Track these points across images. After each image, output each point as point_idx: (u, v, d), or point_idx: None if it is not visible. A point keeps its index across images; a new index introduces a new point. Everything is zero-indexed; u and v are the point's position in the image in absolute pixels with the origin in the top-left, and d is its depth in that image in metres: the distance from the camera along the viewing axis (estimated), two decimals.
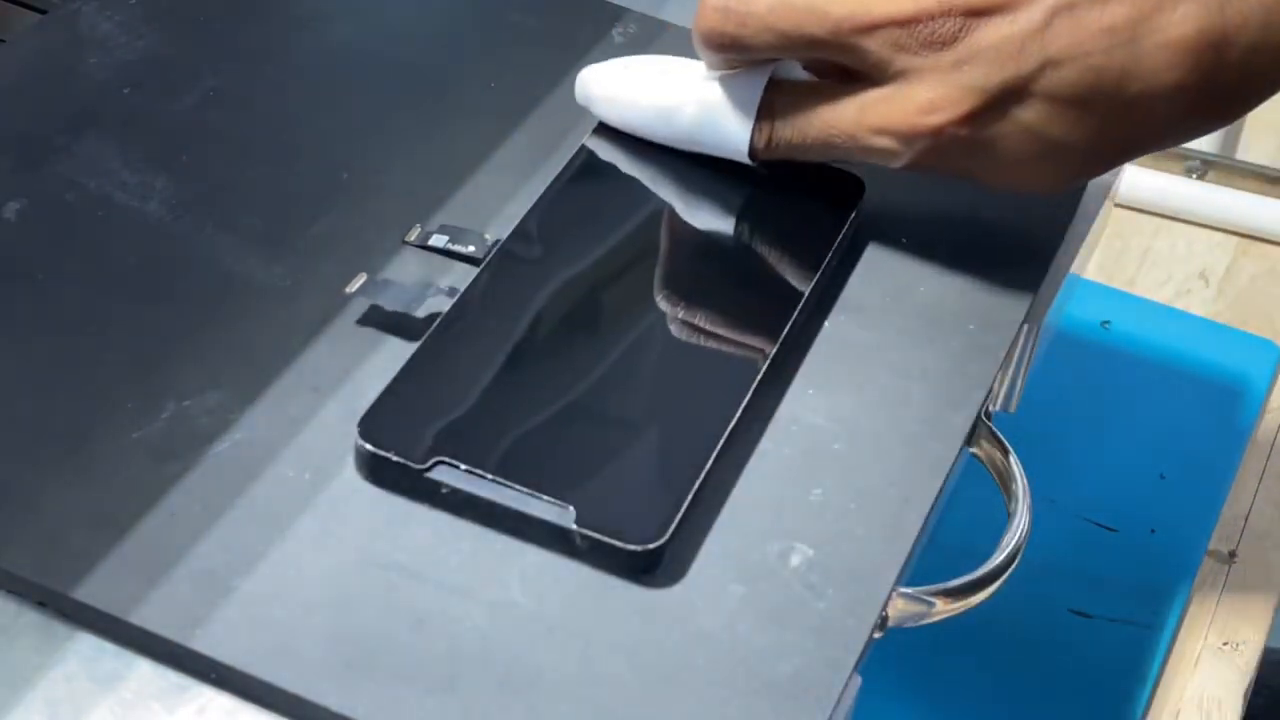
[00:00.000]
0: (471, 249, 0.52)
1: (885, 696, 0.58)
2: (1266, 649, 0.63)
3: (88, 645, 0.43)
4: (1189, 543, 0.65)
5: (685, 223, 0.54)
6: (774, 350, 0.50)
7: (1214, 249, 0.81)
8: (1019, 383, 0.56)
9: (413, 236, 0.53)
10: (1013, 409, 0.55)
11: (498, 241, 0.52)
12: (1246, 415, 0.70)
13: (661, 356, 0.50)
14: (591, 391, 0.48)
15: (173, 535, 0.44)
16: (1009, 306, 0.54)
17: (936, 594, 0.48)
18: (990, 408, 0.53)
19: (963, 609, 0.49)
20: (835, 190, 0.55)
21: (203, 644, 0.42)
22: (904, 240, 0.55)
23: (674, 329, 0.51)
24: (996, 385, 0.53)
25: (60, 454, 0.46)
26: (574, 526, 0.44)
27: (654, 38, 0.62)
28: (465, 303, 0.50)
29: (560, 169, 0.55)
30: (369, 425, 0.46)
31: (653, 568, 0.44)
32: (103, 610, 0.42)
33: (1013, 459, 0.51)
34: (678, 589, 0.44)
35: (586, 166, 0.55)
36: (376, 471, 0.46)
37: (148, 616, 0.42)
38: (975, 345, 0.52)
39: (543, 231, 0.53)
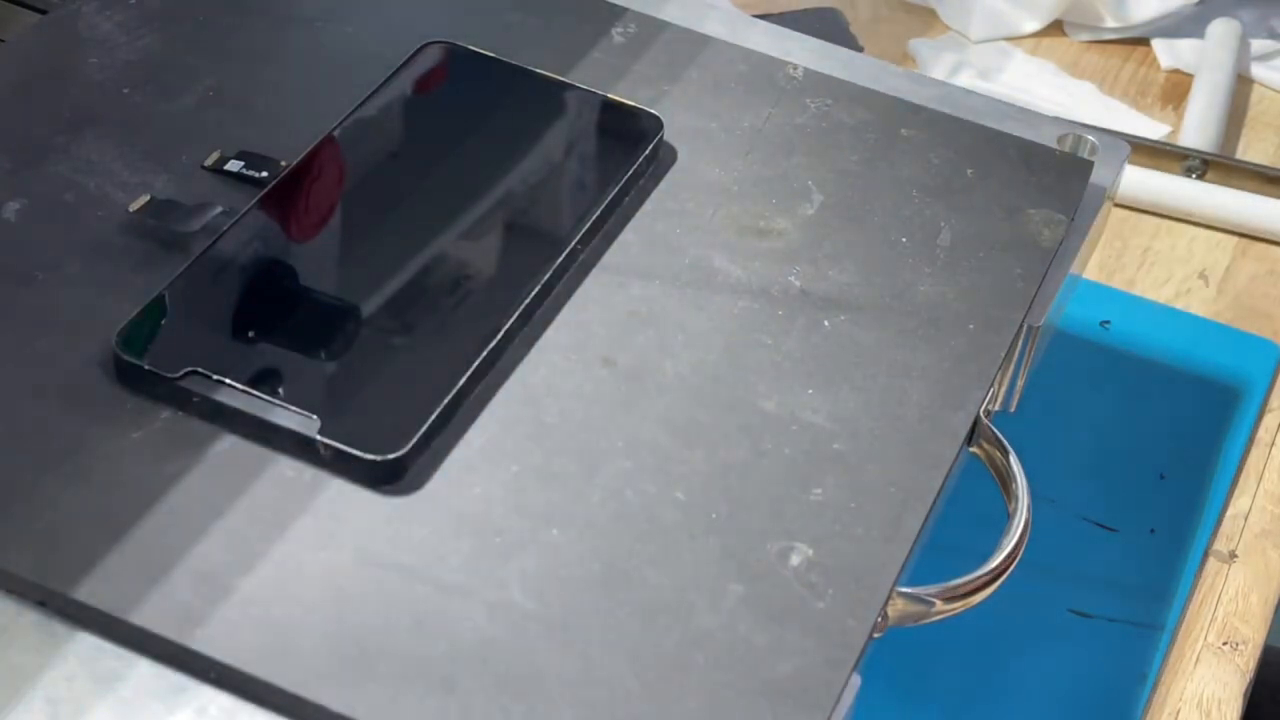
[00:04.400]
0: (265, 174, 0.53)
1: (884, 696, 0.58)
2: (1266, 648, 0.63)
3: (87, 645, 0.43)
4: (1189, 543, 0.65)
5: (472, 153, 0.56)
6: (546, 276, 0.51)
7: (1214, 249, 0.80)
8: (1019, 382, 0.56)
9: (210, 161, 0.54)
10: (1013, 409, 0.55)
11: (286, 166, 0.53)
12: (1246, 415, 0.70)
13: (428, 278, 0.51)
14: (352, 311, 0.50)
15: (172, 535, 0.44)
16: (1009, 306, 0.54)
17: (936, 594, 0.48)
18: (990, 407, 0.53)
19: (962, 609, 0.49)
20: (633, 126, 0.56)
21: (202, 644, 0.42)
22: (904, 240, 0.55)
23: (443, 252, 0.52)
24: (996, 385, 0.53)
25: (60, 454, 0.46)
26: (317, 436, 0.45)
27: (654, 37, 0.62)
28: (241, 223, 0.51)
29: (361, 97, 0.56)
30: (128, 336, 0.47)
31: (395, 478, 0.45)
32: (102, 610, 0.42)
33: (1012, 459, 0.51)
34: (677, 590, 0.44)
35: (386, 97, 0.57)
36: (132, 380, 0.47)
37: (147, 616, 0.42)
38: (975, 345, 0.52)
39: (331, 157, 0.54)
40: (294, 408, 0.46)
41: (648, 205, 0.56)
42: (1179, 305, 0.77)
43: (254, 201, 0.52)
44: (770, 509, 0.47)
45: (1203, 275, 0.79)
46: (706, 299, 0.53)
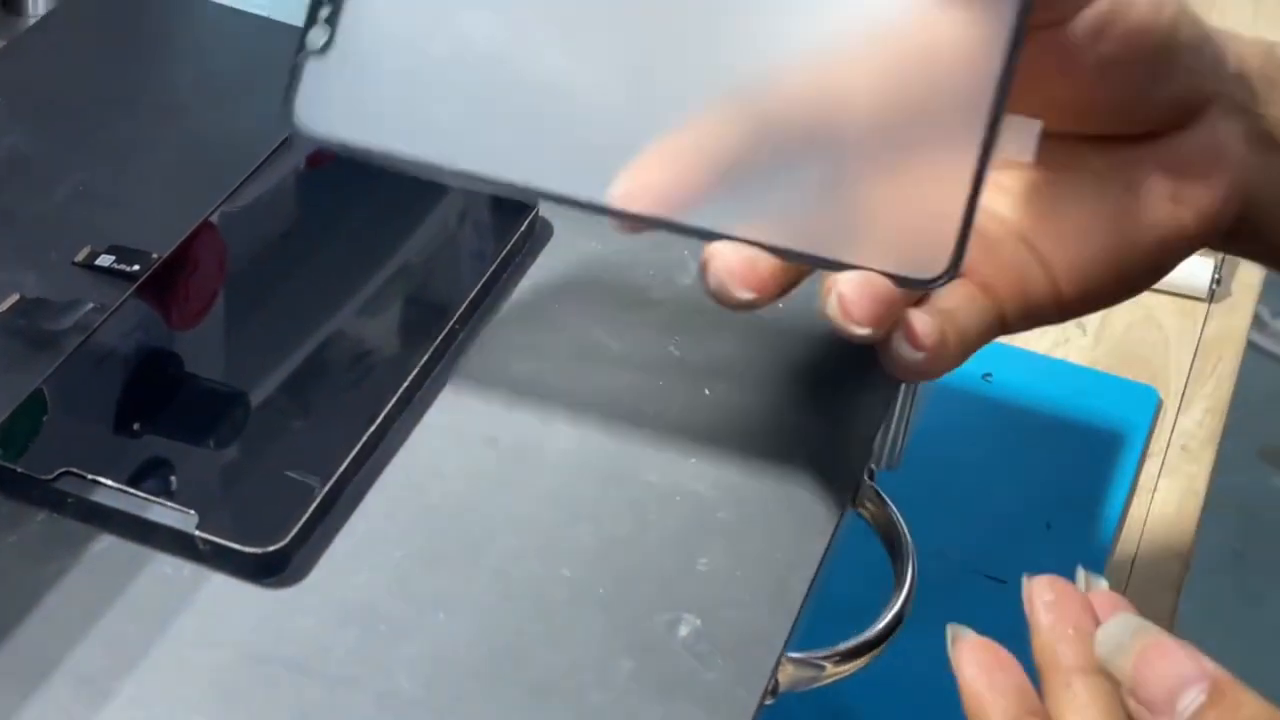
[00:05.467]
0: (136, 268, 0.53)
1: None
2: None
3: None
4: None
5: (347, 236, 0.56)
6: (425, 358, 0.51)
7: None
8: (901, 439, 0.56)
9: (80, 257, 0.53)
10: (896, 466, 0.56)
11: (158, 258, 0.53)
12: (1129, 461, 0.72)
13: (306, 366, 0.51)
14: (229, 402, 0.50)
15: (50, 639, 0.43)
16: None
17: (826, 657, 0.48)
18: (873, 466, 0.53)
19: (854, 670, 0.49)
20: (507, 203, 0.57)
21: None
22: (780, 305, 0.56)
23: (320, 338, 0.52)
24: (879, 444, 0.53)
25: None
26: (195, 531, 0.45)
27: None
28: (111, 319, 0.51)
29: (234, 185, 0.56)
30: (0, 438, 0.47)
31: (277, 570, 0.45)
32: None
33: (897, 517, 0.52)
34: (566, 668, 0.44)
35: (259, 183, 0.57)
36: (5, 484, 0.46)
37: None
38: (855, 406, 0.53)
39: (203, 247, 0.54)
40: (171, 504, 0.45)
41: (525, 281, 0.56)
42: (1058, 354, 0.78)
43: (125, 297, 0.52)
44: (657, 581, 0.47)
45: (1079, 324, 0.80)
46: (587, 373, 0.53)
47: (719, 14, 0.44)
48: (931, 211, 0.44)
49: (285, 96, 0.40)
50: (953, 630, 0.43)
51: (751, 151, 0.44)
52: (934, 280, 0.43)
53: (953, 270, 0.44)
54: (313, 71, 0.41)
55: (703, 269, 0.45)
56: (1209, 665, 0.38)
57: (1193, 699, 0.38)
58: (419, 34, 0.42)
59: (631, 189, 0.44)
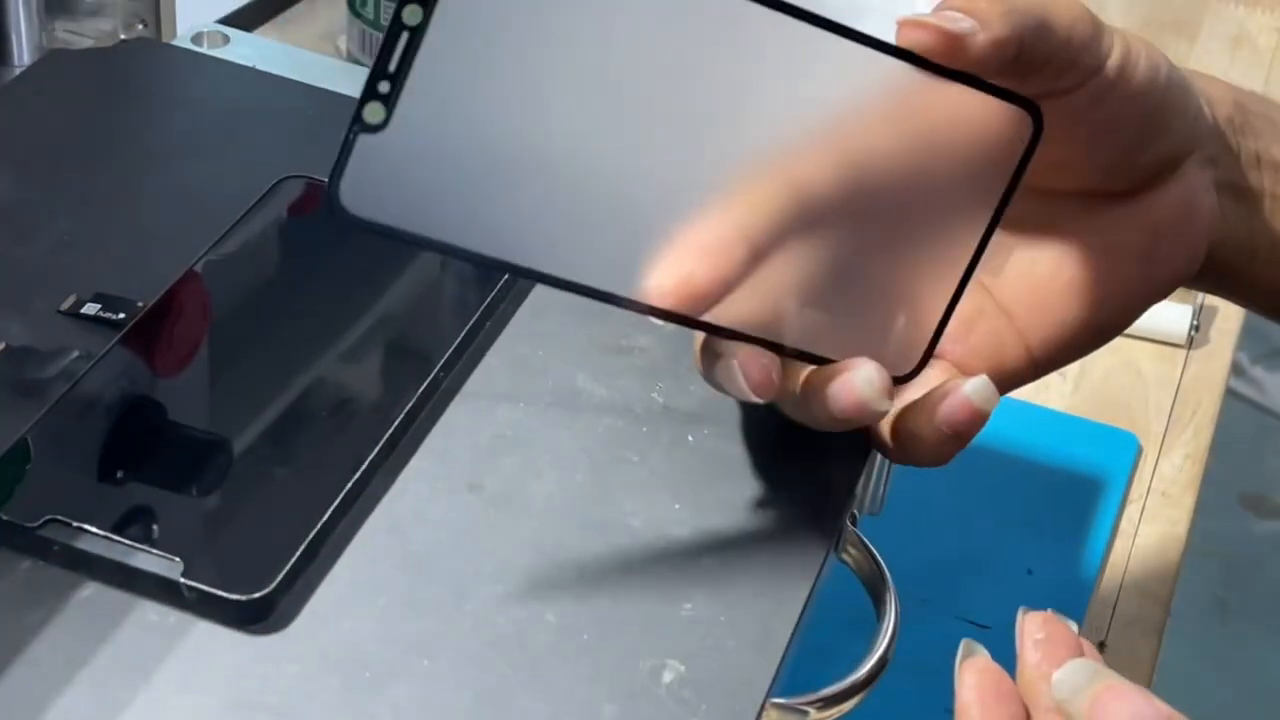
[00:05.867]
0: (122, 316, 0.53)
1: None
2: None
3: None
4: None
5: (331, 286, 0.56)
6: (409, 405, 0.51)
7: None
8: (883, 485, 0.57)
9: (65, 305, 0.54)
10: (878, 512, 0.56)
11: (143, 307, 0.53)
12: (1109, 507, 0.72)
13: (291, 413, 0.51)
14: (214, 450, 0.50)
15: (35, 688, 0.43)
16: None
17: (810, 703, 0.48)
18: (855, 512, 0.53)
19: (837, 715, 0.49)
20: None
21: None
22: None
23: (304, 386, 0.52)
24: (861, 490, 0.54)
25: None
26: (180, 579, 0.45)
27: None
28: (97, 367, 0.51)
29: (219, 234, 0.57)
30: None
31: (261, 617, 0.45)
32: None
33: (880, 563, 0.52)
34: (550, 715, 0.44)
35: (244, 232, 0.57)
36: None
37: None
38: (838, 451, 0.53)
39: (188, 296, 0.54)
40: (156, 551, 0.45)
41: (509, 329, 0.56)
42: (1037, 401, 0.78)
43: (110, 345, 0.52)
44: (641, 626, 0.47)
45: (1059, 371, 0.81)
46: (571, 419, 0.53)
47: (746, 91, 0.44)
48: (914, 316, 0.46)
49: (332, 174, 0.38)
50: (967, 645, 0.44)
51: (785, 228, 0.44)
52: (900, 380, 0.47)
53: (918, 370, 0.48)
54: (363, 150, 0.39)
55: (711, 360, 0.47)
56: (1162, 706, 0.39)
57: None
58: (475, 123, 0.40)
59: (673, 282, 0.44)
